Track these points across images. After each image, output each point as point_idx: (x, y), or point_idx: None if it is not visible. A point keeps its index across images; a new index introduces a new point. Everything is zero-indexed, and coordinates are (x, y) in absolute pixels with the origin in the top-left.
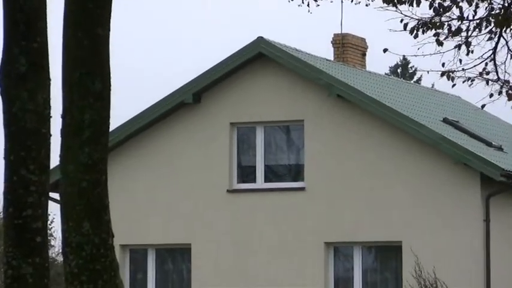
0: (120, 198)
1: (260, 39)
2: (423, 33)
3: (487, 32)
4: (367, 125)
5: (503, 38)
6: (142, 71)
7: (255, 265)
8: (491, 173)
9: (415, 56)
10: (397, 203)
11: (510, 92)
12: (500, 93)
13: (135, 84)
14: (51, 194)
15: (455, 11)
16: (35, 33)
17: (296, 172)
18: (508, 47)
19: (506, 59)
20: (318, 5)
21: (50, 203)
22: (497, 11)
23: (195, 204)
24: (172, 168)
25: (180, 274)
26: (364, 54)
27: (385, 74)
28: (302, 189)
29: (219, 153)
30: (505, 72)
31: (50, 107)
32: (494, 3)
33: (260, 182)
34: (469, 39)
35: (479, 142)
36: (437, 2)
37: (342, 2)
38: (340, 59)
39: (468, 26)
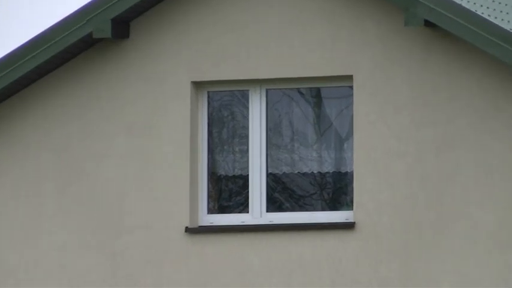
0: None
1: None
2: None
3: None
4: (487, 84)
5: None
6: None
7: None
8: None
9: None
10: None
11: None
12: None
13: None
14: None
15: None
16: None
17: (335, 190)
18: None
19: None
20: None
21: None
22: None
23: (120, 259)
24: (74, 178)
25: None
26: None
27: None
28: (348, 226)
29: (170, 148)
30: None
31: None
32: None
33: (257, 212)
34: None
35: None
36: None
37: None
38: None
39: None
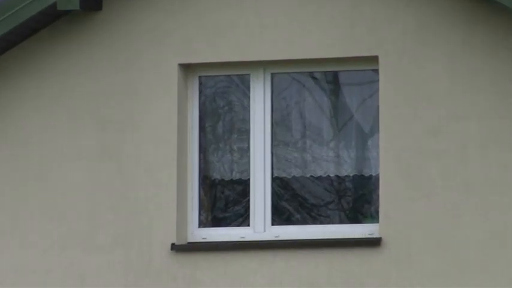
0: None
1: None
2: None
3: None
4: None
5: None
6: None
7: None
8: None
9: None
10: None
11: None
12: None
13: None
14: None
15: None
16: None
17: (356, 198)
18: None
19: None
20: None
21: None
22: None
23: (91, 282)
24: (35, 183)
25: None
26: None
27: None
28: (373, 243)
29: (153, 147)
30: None
31: None
32: None
33: (260, 226)
34: None
35: None
36: None
37: None
38: None
39: None
